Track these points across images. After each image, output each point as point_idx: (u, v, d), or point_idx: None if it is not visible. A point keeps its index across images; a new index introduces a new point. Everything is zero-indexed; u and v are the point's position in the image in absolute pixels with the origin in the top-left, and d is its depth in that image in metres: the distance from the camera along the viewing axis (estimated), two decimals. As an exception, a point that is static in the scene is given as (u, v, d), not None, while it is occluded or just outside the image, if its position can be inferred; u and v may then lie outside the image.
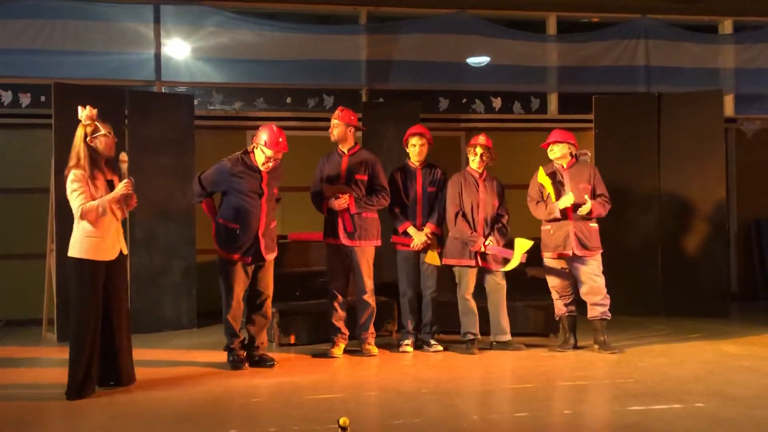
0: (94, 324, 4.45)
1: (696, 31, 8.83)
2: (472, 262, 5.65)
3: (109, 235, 4.48)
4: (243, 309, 5.31)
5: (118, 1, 7.72)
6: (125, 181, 4.51)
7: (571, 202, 5.52)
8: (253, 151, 5.20)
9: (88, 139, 4.45)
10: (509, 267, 5.64)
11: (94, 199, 4.40)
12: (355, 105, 6.55)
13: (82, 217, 4.38)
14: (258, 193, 5.14)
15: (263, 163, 5.15)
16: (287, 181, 7.25)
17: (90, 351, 4.44)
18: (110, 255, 4.50)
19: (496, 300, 5.73)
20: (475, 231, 5.64)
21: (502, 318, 5.74)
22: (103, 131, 4.50)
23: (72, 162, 4.42)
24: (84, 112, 4.48)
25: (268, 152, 5.11)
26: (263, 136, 5.13)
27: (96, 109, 4.51)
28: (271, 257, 5.26)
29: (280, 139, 5.13)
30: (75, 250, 4.42)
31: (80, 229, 4.42)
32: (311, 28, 8.40)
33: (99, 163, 4.50)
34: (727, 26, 8.93)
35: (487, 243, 5.62)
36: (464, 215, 5.70)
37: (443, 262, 5.76)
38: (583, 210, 5.53)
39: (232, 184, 5.12)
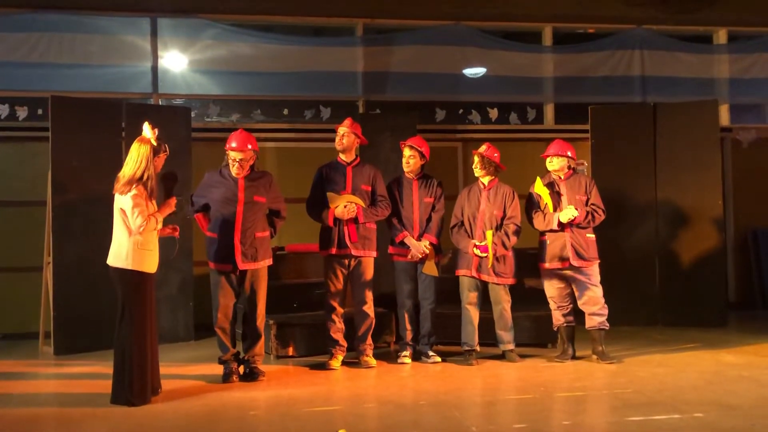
0: (150, 332, 4.62)
1: (691, 42, 8.87)
2: (467, 272, 5.65)
3: (156, 248, 4.67)
4: (233, 320, 5.29)
5: (115, 14, 7.75)
6: (173, 199, 4.79)
7: (574, 216, 5.52)
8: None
9: (153, 158, 4.58)
10: (490, 259, 5.57)
11: (150, 215, 4.56)
12: (352, 116, 6.56)
13: (143, 231, 4.51)
14: (233, 200, 5.17)
15: (232, 167, 5.19)
16: (284, 192, 7.26)
17: (150, 358, 4.59)
18: (155, 267, 4.69)
19: (497, 312, 5.73)
20: (474, 240, 5.64)
21: (500, 330, 5.74)
22: (166, 150, 4.69)
23: (137, 177, 4.51)
24: (153, 132, 4.60)
25: (232, 154, 5.19)
26: (230, 142, 5.23)
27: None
28: (248, 266, 5.19)
29: (242, 140, 5.18)
30: (128, 261, 4.52)
31: (132, 242, 4.53)
32: (308, 41, 8.44)
33: (155, 180, 4.64)
34: (721, 36, 8.97)
35: (476, 250, 5.59)
36: (462, 226, 5.71)
37: (456, 273, 5.75)
38: (564, 216, 5.52)
39: (210, 195, 5.22)
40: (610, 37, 8.74)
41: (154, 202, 4.65)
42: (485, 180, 5.78)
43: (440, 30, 8.43)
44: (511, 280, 5.70)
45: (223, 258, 5.15)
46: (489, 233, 5.57)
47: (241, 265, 5.16)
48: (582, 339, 5.79)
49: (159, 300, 6.71)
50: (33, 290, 6.87)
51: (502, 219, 5.68)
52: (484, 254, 5.56)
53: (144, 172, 4.52)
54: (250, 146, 5.20)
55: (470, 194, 5.80)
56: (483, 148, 5.79)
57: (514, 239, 5.65)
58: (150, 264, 4.61)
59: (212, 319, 5.29)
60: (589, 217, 5.61)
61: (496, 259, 5.60)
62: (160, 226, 4.68)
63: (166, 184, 4.89)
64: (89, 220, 6.33)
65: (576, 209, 5.54)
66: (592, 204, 5.68)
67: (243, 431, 4.17)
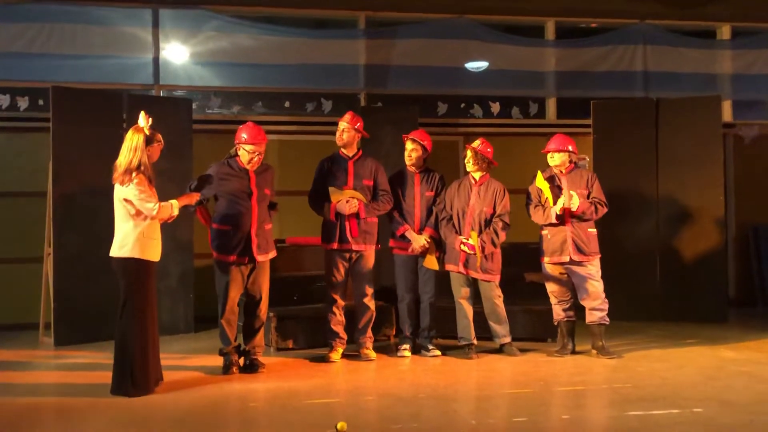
0: (152, 321, 4.62)
1: (694, 37, 8.85)
2: (455, 268, 5.65)
3: (159, 237, 4.69)
4: (239, 313, 5.31)
5: (117, 5, 7.72)
6: (198, 195, 4.91)
7: (577, 203, 5.49)
8: (237, 154, 5.24)
9: (146, 146, 4.58)
10: (478, 259, 5.56)
11: (166, 202, 4.61)
12: (354, 110, 6.56)
13: (157, 214, 4.55)
14: (247, 193, 5.19)
15: (248, 161, 5.20)
16: (286, 185, 7.30)
17: (151, 349, 4.60)
18: (158, 256, 4.70)
19: (488, 307, 5.72)
20: (461, 236, 5.62)
21: (494, 324, 5.73)
22: (160, 140, 4.69)
23: (133, 166, 4.52)
24: (147, 121, 4.62)
25: (249, 147, 5.19)
26: (242, 134, 5.24)
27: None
28: (263, 258, 5.26)
29: (259, 134, 5.22)
30: (133, 250, 4.53)
31: (137, 230, 4.54)
32: (310, 33, 8.41)
33: (150, 169, 4.64)
34: (725, 32, 8.95)
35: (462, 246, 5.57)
36: (451, 220, 5.70)
37: (445, 268, 5.75)
38: (568, 203, 5.49)
39: (220, 188, 5.18)
40: (612, 32, 8.71)
41: (154, 189, 4.65)
42: (476, 175, 5.75)
43: (443, 23, 8.41)
44: (498, 277, 5.69)
45: (240, 251, 5.14)
46: (474, 234, 5.55)
47: (258, 258, 5.19)
48: (582, 334, 5.79)
49: (159, 292, 6.72)
50: (33, 281, 6.88)
51: (492, 216, 5.66)
52: (471, 252, 5.55)
53: (139, 160, 4.53)
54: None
55: (460, 189, 5.76)
56: (477, 143, 5.76)
57: (503, 236, 5.64)
58: (153, 253, 4.62)
59: (215, 310, 5.27)
60: (592, 208, 5.58)
61: (484, 256, 5.59)
62: (176, 212, 4.69)
63: (200, 183, 5.03)
64: (90, 211, 6.32)
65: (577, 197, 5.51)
66: (594, 198, 5.66)
67: (243, 423, 4.19)
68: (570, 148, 5.72)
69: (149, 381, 4.57)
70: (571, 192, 5.55)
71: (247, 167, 5.22)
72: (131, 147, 4.55)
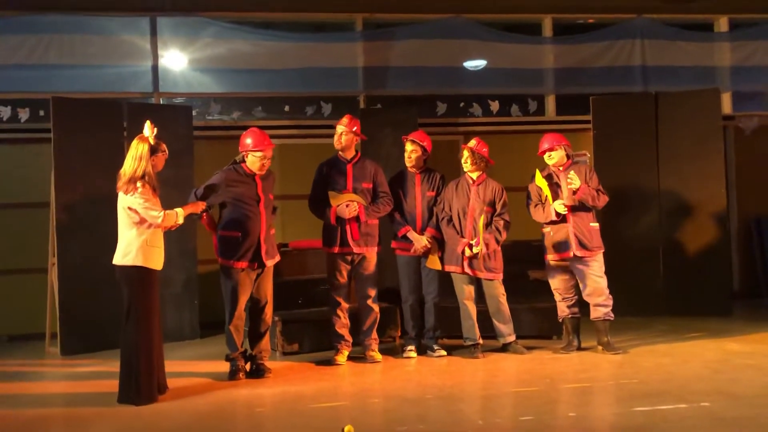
0: (158, 330, 4.66)
1: (692, 30, 8.84)
2: (458, 269, 5.65)
3: (162, 246, 4.70)
4: (245, 318, 5.32)
5: (115, 14, 7.75)
6: (203, 204, 4.96)
7: (577, 181, 5.49)
8: (243, 161, 5.25)
9: (151, 156, 4.61)
10: (476, 250, 5.56)
11: (171, 210, 4.64)
12: (353, 112, 6.56)
13: (162, 222, 4.57)
14: (255, 199, 5.20)
15: (259, 167, 5.21)
16: (287, 189, 7.32)
17: (158, 356, 4.63)
18: (161, 265, 4.71)
19: (493, 306, 5.72)
20: (463, 237, 5.63)
21: (498, 323, 5.73)
22: (165, 150, 4.73)
23: (138, 175, 4.55)
24: (152, 131, 4.65)
25: (259, 153, 5.19)
26: (248, 141, 5.24)
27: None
28: (271, 263, 5.29)
29: (265, 139, 5.24)
30: (137, 258, 4.54)
31: (141, 238, 4.56)
32: (307, 37, 8.43)
33: (155, 178, 4.66)
34: (722, 24, 8.94)
35: (474, 248, 5.57)
36: (451, 221, 5.70)
37: (444, 269, 5.75)
38: (566, 181, 5.49)
39: (228, 194, 5.18)
40: (610, 27, 8.70)
41: (158, 198, 4.67)
42: (474, 175, 5.75)
43: (440, 23, 8.41)
44: (501, 275, 5.70)
45: (250, 257, 5.16)
46: (481, 219, 5.55)
47: (267, 263, 5.23)
48: (587, 330, 5.79)
49: (164, 299, 6.73)
50: (38, 292, 6.89)
51: (492, 214, 5.67)
52: (478, 247, 5.55)
53: (143, 170, 4.55)
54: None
55: (458, 189, 5.75)
56: (473, 143, 5.76)
57: (504, 234, 5.66)
58: (156, 261, 4.64)
59: (220, 316, 5.28)
60: (594, 192, 5.56)
61: (487, 254, 5.59)
62: (180, 221, 4.70)
63: (206, 191, 5.06)
64: (93, 220, 6.34)
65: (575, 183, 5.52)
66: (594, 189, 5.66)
67: (250, 428, 4.20)
68: (563, 143, 5.71)
69: (155, 389, 4.58)
70: (569, 174, 5.54)
71: (255, 173, 5.23)
72: (136, 156, 4.56)
